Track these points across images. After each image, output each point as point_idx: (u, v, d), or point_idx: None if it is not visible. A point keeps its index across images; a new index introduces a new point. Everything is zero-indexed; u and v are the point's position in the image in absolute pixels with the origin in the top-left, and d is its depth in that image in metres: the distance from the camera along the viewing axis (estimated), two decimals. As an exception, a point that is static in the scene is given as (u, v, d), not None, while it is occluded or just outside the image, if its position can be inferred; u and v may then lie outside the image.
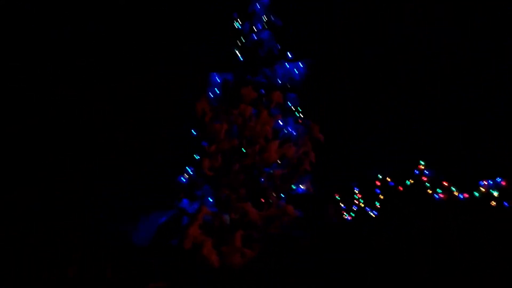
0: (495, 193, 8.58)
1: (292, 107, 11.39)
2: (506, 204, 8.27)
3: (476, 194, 9.08)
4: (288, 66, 11.71)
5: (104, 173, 10.67)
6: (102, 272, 8.36)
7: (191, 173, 9.60)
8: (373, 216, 11.44)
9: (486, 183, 8.81)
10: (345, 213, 12.27)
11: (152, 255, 8.44)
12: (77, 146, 11.28)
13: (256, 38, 11.81)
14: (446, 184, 9.85)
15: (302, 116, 11.32)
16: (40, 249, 8.65)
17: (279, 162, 9.75)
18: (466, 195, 9.35)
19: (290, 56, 11.67)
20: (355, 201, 12.00)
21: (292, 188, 10.35)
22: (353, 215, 11.93)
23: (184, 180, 9.56)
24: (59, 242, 8.86)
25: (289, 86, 11.61)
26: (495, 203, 8.47)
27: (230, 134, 9.39)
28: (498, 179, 8.58)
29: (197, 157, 9.43)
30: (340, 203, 12.37)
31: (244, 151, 9.23)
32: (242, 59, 11.71)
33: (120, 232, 8.83)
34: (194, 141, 9.70)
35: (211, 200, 9.31)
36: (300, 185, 10.75)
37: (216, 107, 9.68)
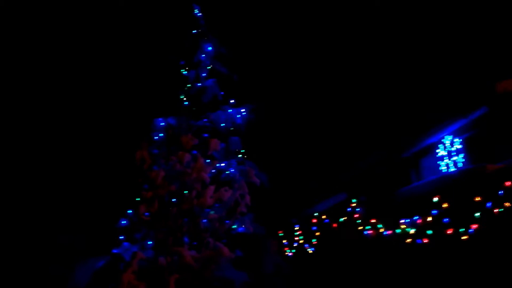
0: (412, 231, 9.31)
1: (235, 150, 12.02)
2: (419, 241, 9.01)
3: (397, 230, 9.80)
4: (231, 112, 12.42)
5: (41, 215, 10.89)
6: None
7: (131, 216, 9.97)
8: (310, 252, 12.04)
9: (404, 221, 9.56)
10: (287, 249, 12.84)
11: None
12: (13, 188, 11.50)
13: (201, 85, 12.50)
14: (373, 221, 10.58)
15: (244, 159, 11.95)
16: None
17: (217, 205, 10.26)
18: (390, 232, 10.07)
19: (233, 101, 12.41)
20: (296, 238, 12.60)
21: (231, 228, 10.84)
22: (294, 251, 12.50)
23: (124, 224, 9.93)
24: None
25: (232, 129, 12.28)
26: (410, 240, 9.20)
27: (168, 180, 9.88)
28: (415, 218, 9.33)
29: (135, 203, 9.84)
30: (283, 240, 12.95)
31: (182, 196, 9.71)
32: (187, 104, 12.35)
33: (56, 276, 9.05)
34: (134, 186, 10.14)
35: (149, 243, 9.67)
36: (240, 225, 11.27)
37: (155, 154, 10.19)
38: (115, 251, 9.30)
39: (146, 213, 9.50)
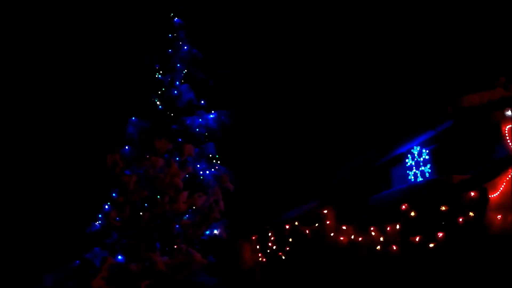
0: (381, 238, 9.54)
1: (210, 155, 12.02)
2: (387, 248, 9.24)
3: (368, 237, 10.01)
4: (206, 117, 12.42)
5: (10, 221, 10.60)
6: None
7: (102, 222, 9.81)
8: (283, 258, 12.13)
9: (373, 228, 9.78)
10: (260, 255, 12.90)
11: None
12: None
13: (175, 89, 12.46)
14: (344, 228, 10.78)
15: (218, 164, 11.97)
16: None
17: (190, 211, 10.22)
18: (360, 238, 10.28)
19: (207, 106, 12.43)
20: (269, 243, 12.67)
21: (204, 234, 10.83)
22: (267, 257, 12.56)
23: (95, 228, 9.76)
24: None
25: (206, 134, 12.28)
26: (379, 247, 9.42)
27: (140, 185, 9.79)
28: (384, 225, 9.55)
29: (106, 207, 9.69)
30: (256, 246, 13.00)
31: (154, 201, 9.63)
32: (161, 108, 12.28)
33: (25, 282, 8.81)
34: (105, 191, 9.98)
35: (120, 249, 9.55)
36: (214, 231, 11.27)
37: (128, 159, 10.08)
38: (85, 256, 9.12)
39: (117, 218, 9.37)
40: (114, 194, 9.71)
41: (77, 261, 9.12)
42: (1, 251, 9.89)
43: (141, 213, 9.56)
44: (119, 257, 9.22)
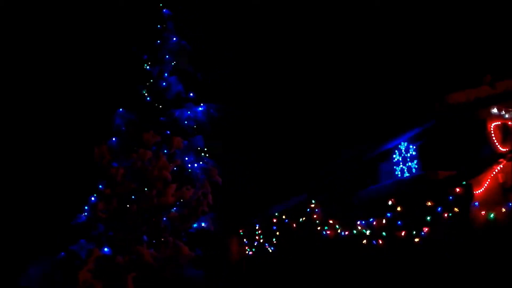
0: (367, 232, 9.65)
1: (198, 148, 11.95)
2: (374, 242, 9.36)
3: (354, 231, 10.12)
4: (195, 109, 12.34)
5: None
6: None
7: (88, 214, 9.70)
8: (270, 251, 12.21)
9: (360, 222, 9.89)
10: (247, 248, 12.96)
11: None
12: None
13: (164, 81, 12.32)
14: (331, 222, 10.87)
15: (207, 157, 11.92)
16: None
17: (178, 204, 10.17)
18: (347, 232, 10.39)
19: (194, 98, 12.33)
20: (256, 237, 12.73)
21: (192, 227, 10.80)
22: (254, 250, 12.63)
23: (81, 220, 9.65)
24: None
25: (195, 127, 12.20)
26: (366, 241, 9.54)
27: (128, 177, 9.69)
28: (371, 220, 9.66)
29: (92, 199, 9.58)
30: (244, 239, 13.06)
31: (142, 193, 9.56)
32: (149, 100, 12.14)
33: (8, 274, 8.68)
34: (92, 183, 9.87)
35: (107, 241, 9.47)
36: (202, 224, 11.26)
37: (115, 151, 9.97)
38: (71, 248, 9.02)
39: (104, 210, 9.27)
40: (100, 186, 9.60)
41: (63, 253, 9.01)
42: None
43: (128, 206, 9.48)
44: (105, 249, 9.14)
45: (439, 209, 7.83)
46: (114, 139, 10.35)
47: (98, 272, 8.62)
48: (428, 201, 8.00)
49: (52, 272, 9.00)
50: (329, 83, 14.60)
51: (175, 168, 10.29)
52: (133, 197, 9.64)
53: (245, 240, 13.05)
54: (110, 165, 9.66)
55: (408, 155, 9.26)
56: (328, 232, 10.90)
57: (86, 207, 9.81)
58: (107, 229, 9.38)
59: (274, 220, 12.18)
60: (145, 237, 9.60)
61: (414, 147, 9.23)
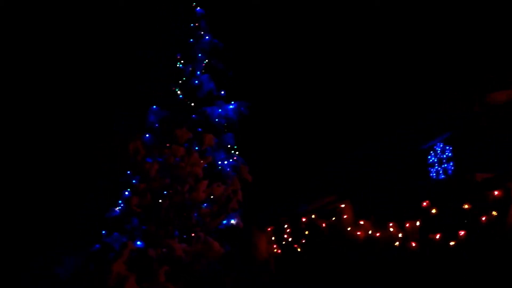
0: (400, 234, 9.50)
1: (228, 145, 12.06)
2: (407, 244, 9.20)
3: (386, 233, 9.98)
4: (226, 107, 12.45)
5: (31, 202, 10.83)
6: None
7: (122, 207, 9.95)
8: (299, 250, 12.18)
9: (392, 224, 9.74)
10: (275, 246, 12.97)
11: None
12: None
13: (196, 79, 12.48)
14: (362, 223, 10.75)
15: (237, 155, 12.00)
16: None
17: (208, 200, 10.30)
18: (379, 234, 10.25)
19: (227, 97, 12.44)
20: (284, 235, 12.73)
21: (221, 223, 10.91)
22: (282, 248, 12.63)
23: (115, 214, 9.91)
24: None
25: (225, 124, 12.31)
26: (398, 243, 9.39)
27: (161, 173, 9.89)
28: (404, 221, 9.50)
29: (126, 193, 9.81)
30: (272, 237, 13.07)
31: (174, 189, 9.73)
32: (181, 98, 12.32)
33: (43, 263, 9.02)
34: (127, 178, 10.10)
35: (139, 235, 9.68)
36: (231, 220, 11.34)
37: (149, 146, 10.17)
38: (105, 240, 9.28)
39: (138, 205, 9.49)
40: (134, 181, 9.82)
41: (97, 245, 9.28)
42: (25, 236, 10.15)
43: (160, 201, 9.66)
44: (138, 242, 9.35)
45: (476, 212, 7.62)
46: (147, 135, 10.56)
47: (131, 265, 8.83)
48: (465, 204, 7.80)
49: (87, 263, 9.28)
50: (361, 77, 14.40)
51: (205, 165, 10.40)
52: (165, 192, 9.81)
53: (273, 238, 13.06)
54: (144, 160, 9.87)
55: (444, 156, 9.06)
56: (358, 233, 10.78)
57: (120, 201, 10.05)
58: (140, 223, 9.58)
59: (303, 219, 12.14)
60: (176, 232, 9.77)
61: (451, 148, 9.02)
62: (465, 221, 7.72)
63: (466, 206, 7.79)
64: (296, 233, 12.33)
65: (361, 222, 10.75)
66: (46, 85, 13.07)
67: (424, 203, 8.56)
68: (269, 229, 13.10)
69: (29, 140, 12.06)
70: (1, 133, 12.06)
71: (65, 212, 10.31)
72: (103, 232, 9.55)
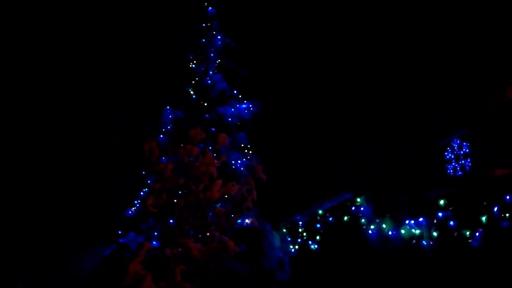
0: (417, 232, 9.39)
1: (242, 145, 12.06)
2: (424, 242, 9.09)
3: (402, 231, 9.88)
4: (238, 106, 12.46)
5: (50, 201, 10.98)
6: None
7: (138, 207, 10.03)
8: (314, 249, 12.11)
9: (408, 222, 9.63)
10: (290, 245, 12.92)
11: (93, 288, 8.79)
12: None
13: (209, 79, 12.52)
14: (378, 221, 10.65)
15: (250, 154, 12.00)
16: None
17: (223, 199, 10.32)
18: (394, 232, 10.14)
19: (240, 96, 12.45)
20: (299, 234, 12.68)
21: (236, 223, 10.92)
22: (297, 247, 12.58)
23: (131, 214, 9.99)
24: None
25: (238, 124, 12.32)
26: (415, 241, 9.28)
27: (176, 173, 9.94)
28: (421, 219, 9.39)
29: (142, 193, 9.88)
30: (287, 236, 13.03)
31: (189, 189, 9.77)
32: (194, 98, 12.37)
33: (61, 262, 9.14)
34: (142, 178, 10.18)
35: (155, 234, 9.75)
36: (246, 220, 11.35)
37: (164, 146, 10.24)
38: (122, 240, 9.37)
39: (154, 205, 9.56)
40: (149, 181, 9.90)
41: (114, 245, 9.37)
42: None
43: (175, 200, 9.71)
44: (154, 242, 9.42)
45: (496, 209, 7.49)
46: (162, 136, 10.63)
47: (147, 264, 8.89)
48: (484, 201, 7.69)
49: (104, 263, 9.37)
50: (380, 75, 14.26)
51: (219, 165, 10.42)
52: (180, 192, 9.86)
53: (288, 237, 13.02)
54: (159, 161, 9.93)
55: (462, 152, 8.92)
56: (374, 231, 10.68)
57: (135, 202, 10.13)
58: (156, 223, 9.65)
59: (318, 218, 12.08)
60: (192, 232, 9.81)
61: (468, 144, 8.89)
62: (484, 218, 7.60)
63: (485, 203, 7.67)
64: (311, 232, 12.27)
65: (377, 220, 10.65)
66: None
67: (441, 201, 8.45)
68: (283, 227, 13.06)
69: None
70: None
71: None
72: (119, 232, 9.63)
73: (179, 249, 9.34)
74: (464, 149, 8.97)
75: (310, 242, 12.21)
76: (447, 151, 9.30)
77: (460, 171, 8.98)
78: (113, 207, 9.78)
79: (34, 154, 12.06)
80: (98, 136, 11.02)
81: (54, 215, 10.59)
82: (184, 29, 12.42)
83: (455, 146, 9.17)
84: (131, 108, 11.26)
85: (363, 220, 11.02)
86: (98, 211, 9.95)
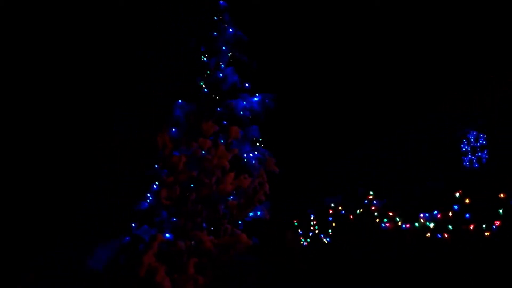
0: (431, 225, 9.30)
1: (253, 138, 12.03)
2: (439, 235, 9.00)
3: (416, 224, 9.80)
4: (250, 100, 12.41)
5: (63, 194, 11.07)
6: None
7: (151, 200, 10.07)
8: (326, 242, 12.10)
9: (423, 215, 9.55)
10: (302, 238, 12.92)
11: (107, 280, 8.87)
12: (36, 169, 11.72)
13: (220, 72, 12.48)
14: (391, 214, 10.57)
15: (262, 147, 11.97)
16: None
17: (235, 192, 10.31)
18: (408, 225, 10.06)
19: (252, 89, 12.40)
20: (311, 227, 12.66)
21: (248, 216, 10.92)
22: (309, 240, 12.58)
23: (144, 207, 10.04)
24: (12, 265, 9.25)
25: (250, 118, 12.28)
26: (429, 234, 9.20)
27: (189, 166, 9.95)
28: (435, 212, 9.31)
29: (155, 186, 9.92)
30: (298, 229, 13.02)
31: (202, 182, 9.78)
32: (206, 91, 12.35)
33: (75, 254, 9.24)
34: (155, 171, 10.21)
35: (168, 227, 9.79)
36: (258, 212, 11.34)
37: (176, 139, 10.25)
38: (135, 232, 9.43)
39: (167, 198, 9.59)
40: (162, 174, 9.92)
41: (127, 238, 9.44)
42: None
43: (188, 193, 9.73)
44: (167, 235, 9.46)
45: (513, 201, 7.38)
46: (174, 129, 10.64)
47: (160, 257, 8.94)
48: (501, 193, 7.57)
49: (117, 255, 9.44)
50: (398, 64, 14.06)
51: (231, 158, 10.41)
52: (192, 185, 9.87)
53: (300, 230, 13.02)
54: (171, 154, 9.95)
55: (478, 144, 8.78)
56: (387, 224, 10.61)
57: (148, 194, 10.17)
58: (169, 216, 9.69)
59: (330, 212, 12.04)
60: (204, 224, 9.83)
61: (485, 136, 8.74)
62: (501, 210, 7.49)
63: (501, 196, 7.55)
64: (323, 225, 12.24)
65: (390, 214, 10.58)
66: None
67: (457, 193, 8.34)
68: (295, 221, 13.06)
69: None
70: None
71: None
72: (133, 224, 9.69)
73: (192, 242, 9.36)
74: (480, 141, 8.83)
75: (322, 236, 12.20)
76: (463, 143, 9.17)
77: (477, 164, 8.85)
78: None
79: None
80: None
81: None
82: (192, 24, 12.36)
83: (471, 138, 9.04)
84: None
85: (375, 213, 10.96)
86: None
